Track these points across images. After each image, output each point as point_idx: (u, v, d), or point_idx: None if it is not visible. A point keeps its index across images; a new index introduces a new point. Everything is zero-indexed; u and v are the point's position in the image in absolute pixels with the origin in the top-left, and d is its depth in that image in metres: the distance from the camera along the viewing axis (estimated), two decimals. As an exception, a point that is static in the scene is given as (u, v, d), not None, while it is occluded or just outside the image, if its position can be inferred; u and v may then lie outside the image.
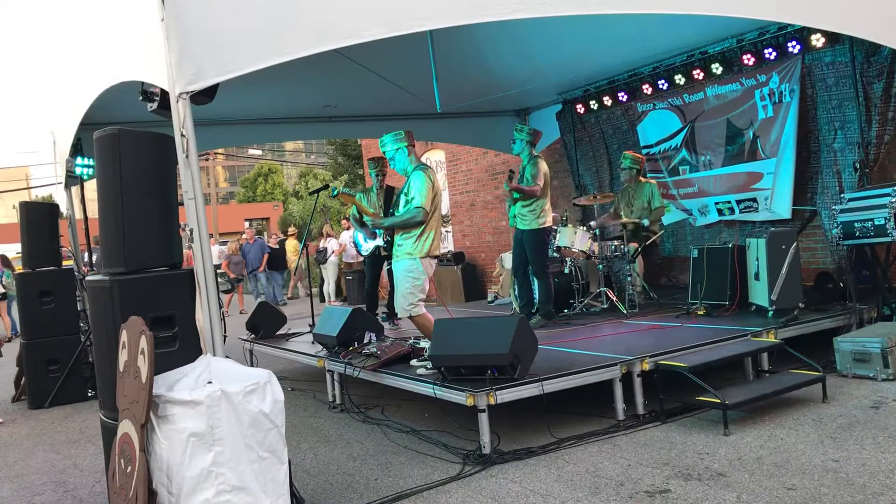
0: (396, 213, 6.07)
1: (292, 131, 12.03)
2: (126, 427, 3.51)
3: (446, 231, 15.30)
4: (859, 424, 4.77)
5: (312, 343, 7.53)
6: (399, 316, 6.07)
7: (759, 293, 6.78)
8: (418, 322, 5.94)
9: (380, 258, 8.75)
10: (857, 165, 7.33)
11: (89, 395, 8.19)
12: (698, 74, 8.91)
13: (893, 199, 6.32)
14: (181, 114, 3.80)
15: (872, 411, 5.02)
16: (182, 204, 3.93)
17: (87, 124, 6.73)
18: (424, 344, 6.11)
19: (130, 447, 3.45)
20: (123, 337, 3.64)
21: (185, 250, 4.10)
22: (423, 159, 16.08)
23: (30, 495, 5.11)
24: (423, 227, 5.85)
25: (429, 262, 5.92)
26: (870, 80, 7.30)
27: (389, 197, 8.55)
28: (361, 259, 9.10)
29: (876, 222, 6.45)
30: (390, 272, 8.97)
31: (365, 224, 8.57)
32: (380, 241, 8.49)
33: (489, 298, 11.69)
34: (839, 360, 6.04)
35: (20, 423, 7.45)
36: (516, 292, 8.29)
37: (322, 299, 16.97)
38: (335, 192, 7.51)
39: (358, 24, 4.19)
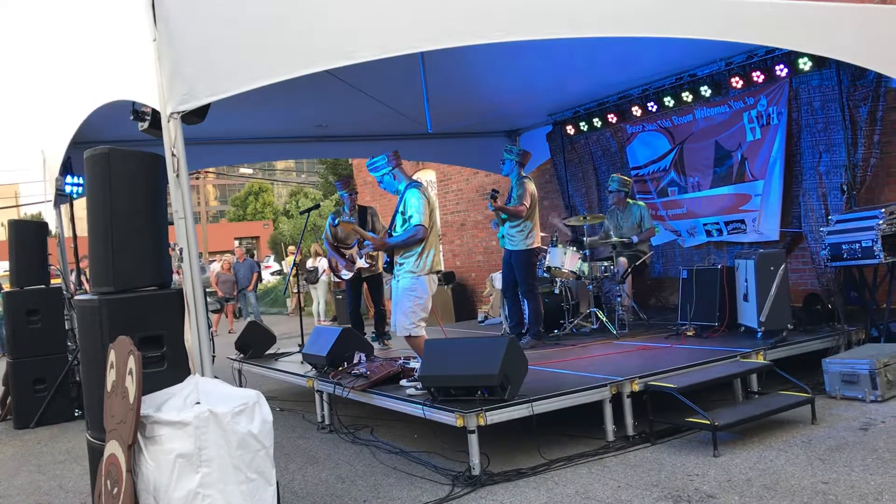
0: (395, 234, 6.08)
1: (283, 151, 12.04)
2: (113, 448, 3.48)
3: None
4: (848, 446, 4.77)
5: (302, 363, 7.49)
6: (399, 335, 6.06)
7: (748, 314, 6.80)
8: (416, 343, 5.91)
9: (360, 280, 8.78)
10: (845, 188, 7.39)
11: (76, 414, 8.13)
12: (687, 97, 8.97)
13: (881, 222, 6.37)
14: (172, 133, 3.80)
15: (861, 433, 5.03)
16: (172, 223, 3.92)
17: (77, 143, 6.71)
18: (414, 364, 6.10)
19: (117, 468, 3.42)
20: (111, 357, 3.62)
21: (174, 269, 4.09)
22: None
23: (14, 517, 5.06)
24: (423, 244, 5.86)
25: (431, 279, 5.92)
26: (856, 104, 7.38)
27: (363, 217, 8.59)
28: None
29: (863, 244, 6.50)
30: (369, 291, 9.04)
31: (340, 251, 8.62)
32: (363, 263, 8.53)
33: (479, 318, 11.68)
34: (828, 381, 6.06)
35: (5, 444, 7.38)
36: (506, 312, 8.30)
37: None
38: (336, 223, 7.54)
39: (350, 46, 4.21)
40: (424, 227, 5.83)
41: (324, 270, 16.76)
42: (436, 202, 6.12)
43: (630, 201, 8.87)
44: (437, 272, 6.02)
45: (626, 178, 9.10)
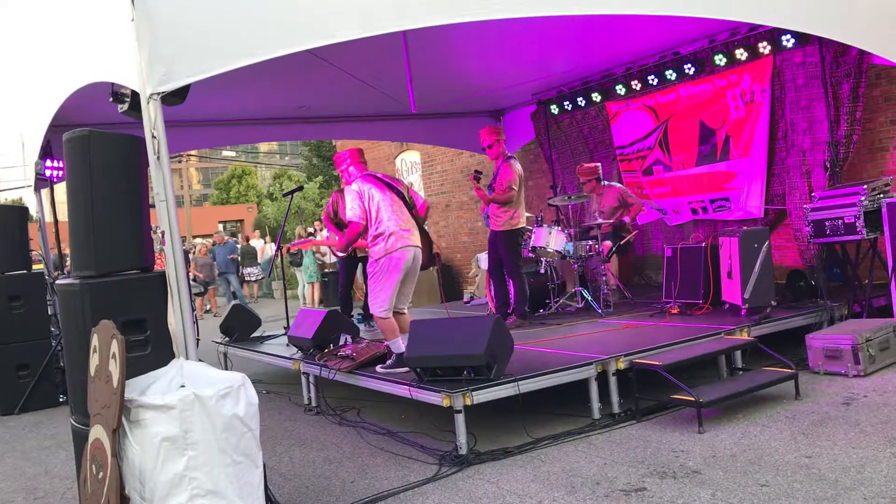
0: None
1: (266, 133, 11.97)
2: (97, 432, 3.46)
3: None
4: (831, 421, 4.82)
5: (287, 346, 7.48)
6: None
7: (732, 291, 6.83)
8: (381, 325, 5.96)
9: (354, 259, 8.69)
10: (828, 165, 7.42)
11: (61, 400, 8.07)
12: (671, 75, 8.96)
13: (863, 198, 6.40)
14: (152, 115, 3.76)
15: (844, 407, 5.08)
16: (154, 206, 3.89)
17: (56, 126, 6.62)
18: (394, 348, 6.04)
19: (102, 453, 3.40)
20: (94, 341, 3.59)
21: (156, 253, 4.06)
22: (398, 160, 15.86)
23: (-1, 503, 5.03)
24: (373, 235, 5.91)
25: (392, 260, 5.87)
26: (839, 81, 7.40)
27: None
28: (335, 260, 9.03)
29: (846, 220, 6.53)
30: (365, 273, 8.97)
31: (340, 228, 8.54)
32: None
33: (465, 299, 11.68)
34: (811, 357, 6.10)
35: (-11, 430, 7.33)
36: (492, 293, 8.29)
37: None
38: (292, 255, 7.38)
39: (332, 24, 4.16)
40: (353, 221, 5.96)
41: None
42: (373, 193, 6.00)
43: (605, 183, 8.88)
44: (398, 250, 5.90)
45: (591, 165, 9.09)
